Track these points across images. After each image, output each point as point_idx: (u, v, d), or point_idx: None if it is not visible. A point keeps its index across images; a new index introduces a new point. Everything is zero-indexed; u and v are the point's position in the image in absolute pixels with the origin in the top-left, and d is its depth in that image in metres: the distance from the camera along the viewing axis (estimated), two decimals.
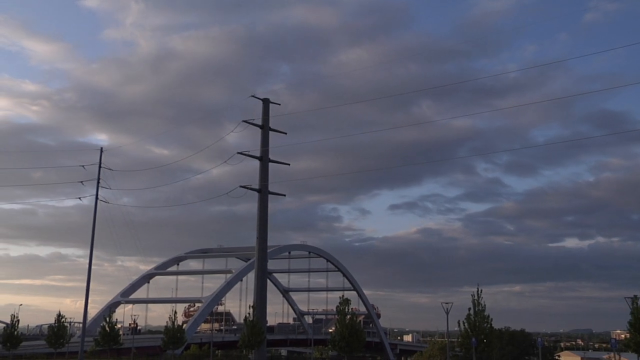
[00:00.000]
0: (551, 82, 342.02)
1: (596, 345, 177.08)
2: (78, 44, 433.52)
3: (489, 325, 47.08)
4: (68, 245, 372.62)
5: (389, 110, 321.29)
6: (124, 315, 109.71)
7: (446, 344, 73.57)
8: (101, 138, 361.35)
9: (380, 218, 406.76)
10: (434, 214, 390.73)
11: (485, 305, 47.06)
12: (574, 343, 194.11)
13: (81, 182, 64.20)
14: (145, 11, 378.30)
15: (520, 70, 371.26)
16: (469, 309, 47.05)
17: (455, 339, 67.91)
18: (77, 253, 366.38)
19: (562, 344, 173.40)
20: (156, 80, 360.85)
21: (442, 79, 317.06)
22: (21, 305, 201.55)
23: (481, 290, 46.83)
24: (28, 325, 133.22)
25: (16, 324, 65.68)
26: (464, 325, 47.30)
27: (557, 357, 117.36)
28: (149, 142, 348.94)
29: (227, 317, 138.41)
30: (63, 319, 66.87)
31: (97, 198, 62.01)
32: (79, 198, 66.44)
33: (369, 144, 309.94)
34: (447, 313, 50.48)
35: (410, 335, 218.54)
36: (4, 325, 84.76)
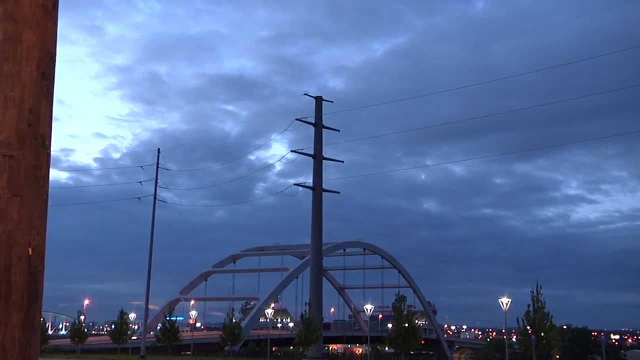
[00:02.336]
0: None
1: None
2: None
3: (549, 323, 46.14)
4: (123, 244, 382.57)
5: None
6: (182, 312, 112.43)
7: (504, 342, 72.47)
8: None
9: None
10: None
11: (545, 302, 46.19)
12: None
13: (140, 182, 66.23)
14: None
15: None
16: (528, 305, 46.23)
17: (514, 336, 66.90)
18: (131, 252, 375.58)
19: (629, 341, 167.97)
20: None
21: None
22: (87, 302, 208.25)
23: (541, 287, 45.99)
24: (93, 321, 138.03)
25: (83, 320, 68.62)
26: (523, 322, 46.50)
27: (623, 356, 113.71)
28: None
29: (284, 314, 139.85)
30: (126, 316, 69.03)
31: (155, 198, 63.80)
32: (138, 198, 68.31)
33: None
34: (506, 311, 49.76)
35: (468, 332, 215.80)
36: (72, 320, 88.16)
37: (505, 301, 50.27)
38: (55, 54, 4.22)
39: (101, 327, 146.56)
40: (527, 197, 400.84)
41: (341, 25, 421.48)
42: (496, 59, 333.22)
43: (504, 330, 74.00)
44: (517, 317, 47.53)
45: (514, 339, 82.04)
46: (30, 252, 3.88)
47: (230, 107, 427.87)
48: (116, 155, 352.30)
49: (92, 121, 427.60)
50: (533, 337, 45.01)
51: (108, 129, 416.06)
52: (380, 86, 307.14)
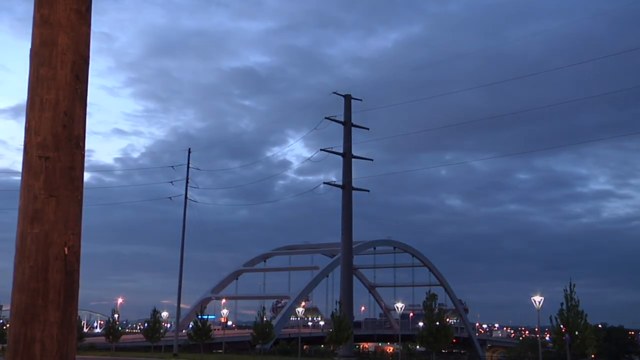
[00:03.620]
0: None
1: None
2: None
3: (583, 321, 45.36)
4: (151, 243, 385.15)
5: None
6: (214, 311, 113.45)
7: (537, 340, 71.53)
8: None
9: None
10: None
11: (579, 300, 45.42)
12: None
13: (171, 182, 66.98)
14: None
15: None
16: (561, 303, 45.51)
17: (548, 335, 65.97)
18: (158, 251, 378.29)
19: None
20: None
21: None
22: (120, 301, 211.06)
23: (574, 285, 45.22)
24: (127, 320, 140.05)
25: (117, 318, 69.80)
26: (556, 320, 45.78)
27: None
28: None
29: (315, 312, 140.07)
30: (158, 314, 69.88)
31: (186, 197, 64.44)
32: (170, 198, 69.06)
33: None
34: (539, 309, 49.10)
35: (500, 330, 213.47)
36: (107, 319, 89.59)
37: (537, 299, 49.57)
38: (88, 57, 4.30)
39: (134, 326, 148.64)
40: (553, 192, 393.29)
41: (354, 15, 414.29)
42: (514, 46, 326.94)
43: (536, 329, 73.00)
44: (550, 316, 46.83)
45: (547, 338, 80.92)
46: (66, 252, 3.96)
47: (246, 102, 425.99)
48: (135, 155, 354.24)
49: (109, 118, 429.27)
50: (567, 336, 44.29)
51: (126, 125, 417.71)
52: (398, 76, 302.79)
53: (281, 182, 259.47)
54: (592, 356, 54.82)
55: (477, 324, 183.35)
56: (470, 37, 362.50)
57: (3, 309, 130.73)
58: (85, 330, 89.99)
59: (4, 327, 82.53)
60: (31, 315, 3.77)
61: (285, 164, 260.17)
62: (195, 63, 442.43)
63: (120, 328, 74.18)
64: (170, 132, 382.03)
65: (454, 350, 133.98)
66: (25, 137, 4.07)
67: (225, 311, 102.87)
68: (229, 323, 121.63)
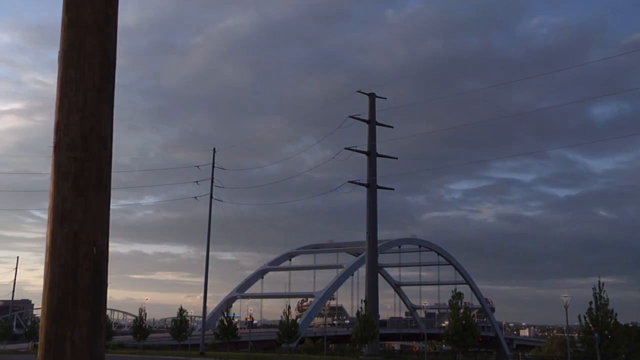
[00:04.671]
0: None
1: None
2: None
3: (613, 321, 44.69)
4: (172, 242, 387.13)
5: None
6: (240, 309, 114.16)
7: (566, 340, 70.66)
8: None
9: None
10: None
11: (608, 298, 44.75)
12: None
13: (196, 182, 67.52)
14: None
15: None
16: (590, 302, 44.87)
17: (576, 334, 65.15)
18: (181, 250, 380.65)
19: None
20: None
21: None
22: (147, 299, 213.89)
23: (603, 284, 44.59)
24: (154, 319, 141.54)
25: (144, 317, 70.58)
26: (585, 319, 45.14)
27: None
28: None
29: (340, 311, 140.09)
30: (185, 313, 70.48)
31: (211, 197, 64.87)
32: (195, 197, 69.57)
33: None
34: (566, 307, 48.44)
35: (527, 329, 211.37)
36: (134, 318, 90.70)
37: (565, 298, 48.93)
38: (115, 58, 4.35)
39: (164, 324, 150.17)
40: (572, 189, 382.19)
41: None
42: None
43: (565, 328, 72.13)
44: (579, 315, 46.18)
45: (575, 337, 79.86)
46: (95, 251, 4.02)
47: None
48: (150, 155, 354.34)
49: (121, 115, 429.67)
50: (596, 335, 43.66)
51: (142, 123, 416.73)
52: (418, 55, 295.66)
53: (297, 178, 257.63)
54: (624, 356, 53.96)
55: (504, 323, 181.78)
56: None
57: (35, 307, 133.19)
58: (113, 329, 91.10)
59: (36, 326, 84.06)
60: (61, 314, 3.83)
61: (301, 162, 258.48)
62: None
63: (147, 327, 74.96)
64: (182, 128, 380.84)
65: (480, 349, 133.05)
66: (54, 138, 4.14)
67: (250, 310, 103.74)
68: (255, 322, 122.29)
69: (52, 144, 4.14)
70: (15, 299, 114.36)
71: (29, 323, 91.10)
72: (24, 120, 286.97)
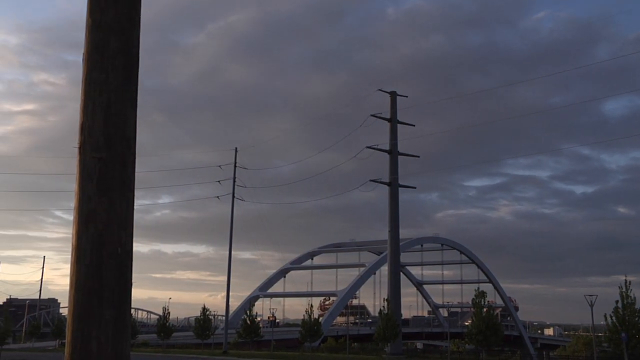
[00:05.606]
0: None
1: None
2: None
3: None
4: (190, 242, 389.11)
5: None
6: (262, 308, 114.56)
7: (592, 339, 69.76)
8: None
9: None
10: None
11: (635, 297, 44.04)
12: None
13: (218, 181, 67.91)
14: None
15: None
16: (616, 301, 44.22)
17: (602, 334, 64.24)
18: (200, 250, 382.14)
19: None
20: None
21: None
22: (170, 299, 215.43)
23: (630, 282, 43.91)
24: (177, 317, 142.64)
25: (167, 316, 71.14)
26: (611, 319, 44.49)
27: None
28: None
29: (362, 310, 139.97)
30: (208, 312, 70.90)
31: (233, 196, 65.15)
32: (217, 197, 69.94)
33: None
34: (592, 306, 47.80)
35: (552, 328, 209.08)
36: (157, 317, 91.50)
37: (591, 297, 48.28)
38: (138, 59, 4.39)
39: (187, 323, 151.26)
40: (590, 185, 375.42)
41: None
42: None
43: (591, 327, 71.25)
44: (605, 314, 45.53)
45: (601, 337, 78.76)
46: (119, 251, 4.05)
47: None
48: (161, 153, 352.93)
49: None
50: (623, 334, 43.01)
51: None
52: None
53: (311, 177, 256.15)
54: None
55: (528, 322, 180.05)
56: None
57: (61, 306, 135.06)
58: (137, 327, 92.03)
59: (63, 324, 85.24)
60: (87, 313, 3.87)
61: (315, 162, 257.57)
62: None
63: (171, 325, 75.58)
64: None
65: (504, 349, 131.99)
66: (79, 139, 4.19)
67: (273, 309, 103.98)
68: (277, 321, 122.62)
69: (76, 145, 4.18)
70: (41, 297, 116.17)
71: (55, 321, 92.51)
72: (38, 121, 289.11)
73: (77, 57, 4.38)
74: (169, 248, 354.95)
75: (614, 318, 44.21)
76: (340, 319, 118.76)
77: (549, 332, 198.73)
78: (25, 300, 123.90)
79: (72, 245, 4.04)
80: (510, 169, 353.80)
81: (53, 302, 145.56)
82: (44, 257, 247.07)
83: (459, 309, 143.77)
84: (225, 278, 67.02)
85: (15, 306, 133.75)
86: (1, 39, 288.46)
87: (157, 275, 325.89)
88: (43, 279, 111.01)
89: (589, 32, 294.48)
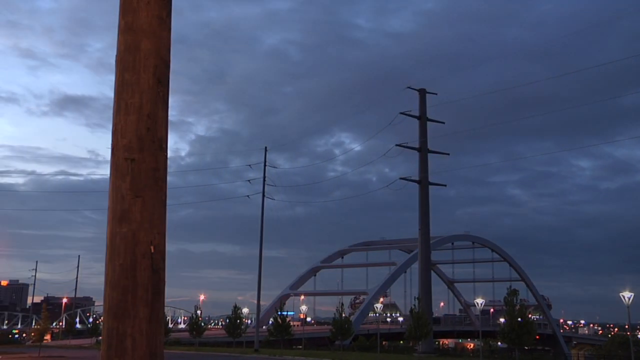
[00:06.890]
0: None
1: None
2: None
3: None
4: (216, 240, 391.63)
5: None
6: (293, 307, 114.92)
7: (628, 338, 68.41)
8: None
9: None
10: None
11: None
12: None
13: (249, 180, 68.36)
14: None
15: None
16: None
17: (639, 332, 63.04)
18: (226, 249, 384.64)
19: None
20: None
21: None
22: (202, 297, 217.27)
23: None
24: (209, 316, 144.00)
25: (199, 314, 71.90)
26: None
27: None
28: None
29: (393, 308, 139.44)
30: (239, 310, 71.39)
31: (263, 195, 65.46)
32: (247, 196, 70.35)
33: None
34: (628, 306, 46.86)
35: (586, 327, 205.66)
36: (189, 315, 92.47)
37: (627, 295, 47.33)
38: (169, 61, 4.44)
39: (218, 322, 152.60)
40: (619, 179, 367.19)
41: None
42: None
43: (627, 326, 69.89)
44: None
45: (638, 335, 77.24)
46: (152, 250, 4.11)
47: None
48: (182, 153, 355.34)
49: None
50: None
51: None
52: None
53: (331, 173, 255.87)
54: None
55: (562, 320, 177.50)
56: None
57: (96, 304, 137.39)
58: (170, 325, 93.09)
59: (98, 322, 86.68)
60: (122, 311, 3.94)
61: (332, 156, 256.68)
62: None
63: (203, 324, 76.32)
64: (210, 125, 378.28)
65: (537, 347, 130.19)
66: (112, 140, 4.25)
67: (304, 307, 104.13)
68: (308, 319, 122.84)
69: (110, 146, 4.25)
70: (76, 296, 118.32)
71: (90, 319, 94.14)
72: None
73: None
74: (195, 247, 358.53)
75: None
76: (371, 317, 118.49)
77: (584, 330, 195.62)
78: (60, 298, 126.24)
79: (107, 244, 4.11)
80: (532, 164, 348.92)
81: (88, 300, 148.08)
82: (79, 256, 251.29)
83: (491, 308, 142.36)
84: (252, 276, 67.48)
85: (52, 304, 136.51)
86: None
87: (185, 274, 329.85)
88: (73, 278, 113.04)
89: None
